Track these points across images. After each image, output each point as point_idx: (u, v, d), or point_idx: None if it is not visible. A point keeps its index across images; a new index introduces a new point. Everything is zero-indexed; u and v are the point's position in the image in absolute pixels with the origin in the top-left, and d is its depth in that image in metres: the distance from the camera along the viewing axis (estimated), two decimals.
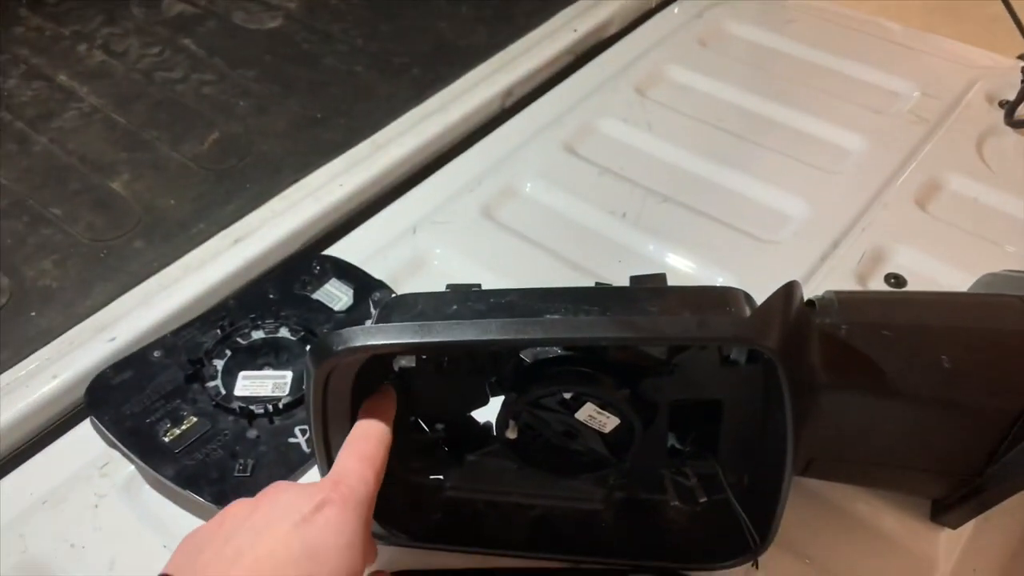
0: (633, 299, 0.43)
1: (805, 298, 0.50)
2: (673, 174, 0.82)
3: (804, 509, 0.55)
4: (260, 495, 0.41)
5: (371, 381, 0.46)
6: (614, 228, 0.76)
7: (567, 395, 0.47)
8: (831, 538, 0.55)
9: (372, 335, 0.41)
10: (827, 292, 0.51)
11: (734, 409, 0.49)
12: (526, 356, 0.48)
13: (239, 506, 0.41)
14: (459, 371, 0.49)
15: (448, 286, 0.47)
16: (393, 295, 0.68)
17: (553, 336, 0.41)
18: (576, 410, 0.47)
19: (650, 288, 0.44)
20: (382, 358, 0.47)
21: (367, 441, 0.43)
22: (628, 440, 0.49)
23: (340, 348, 0.41)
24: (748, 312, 0.42)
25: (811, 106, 0.89)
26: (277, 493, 0.41)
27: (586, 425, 0.48)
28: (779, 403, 0.42)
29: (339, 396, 0.44)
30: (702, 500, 0.51)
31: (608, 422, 0.48)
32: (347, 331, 0.41)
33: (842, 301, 0.50)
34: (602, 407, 0.47)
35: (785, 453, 0.44)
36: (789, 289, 0.43)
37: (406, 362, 0.48)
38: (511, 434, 0.49)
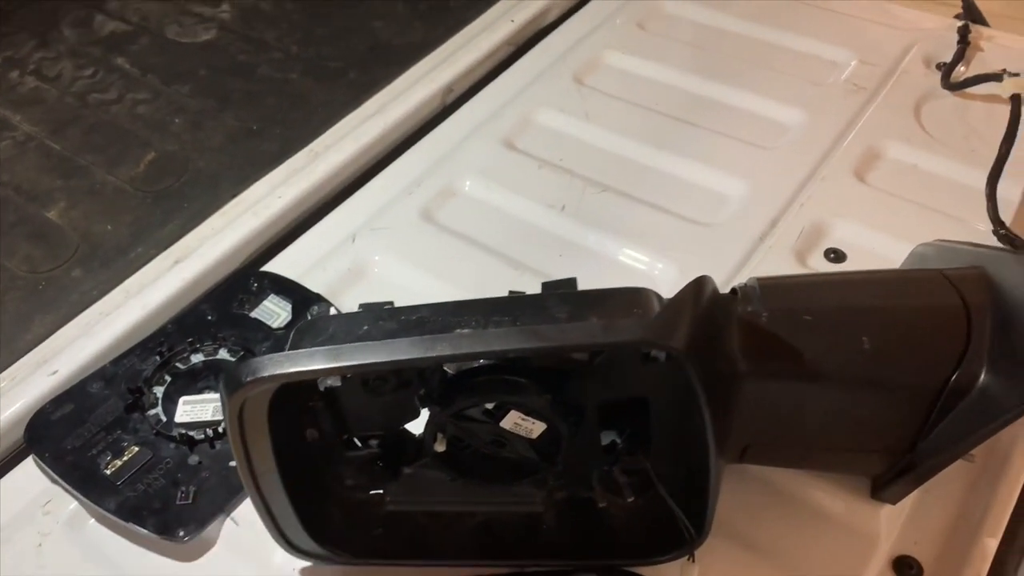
0: (543, 307, 0.43)
1: (732, 285, 0.50)
2: (611, 162, 0.81)
3: (746, 495, 0.55)
4: None
5: (295, 401, 0.46)
6: (554, 222, 0.76)
7: (490, 405, 0.47)
8: (774, 522, 0.55)
9: (280, 364, 0.41)
10: (750, 279, 0.51)
11: (661, 405, 0.49)
12: (449, 368, 0.48)
13: None
14: (386, 387, 0.49)
15: (360, 305, 0.46)
16: (331, 308, 0.68)
17: (461, 352, 0.41)
18: (501, 419, 0.47)
19: (560, 294, 0.44)
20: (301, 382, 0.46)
21: None
22: (559, 444, 0.49)
23: (248, 379, 0.41)
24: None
25: (750, 83, 0.88)
26: None
27: (513, 432, 0.48)
28: None
29: (256, 424, 0.44)
30: (630, 499, 0.51)
31: (535, 428, 0.47)
32: (255, 361, 0.41)
33: (764, 288, 0.49)
34: (527, 414, 0.47)
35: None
36: (698, 284, 0.43)
37: (332, 381, 0.48)
38: (439, 447, 0.49)
